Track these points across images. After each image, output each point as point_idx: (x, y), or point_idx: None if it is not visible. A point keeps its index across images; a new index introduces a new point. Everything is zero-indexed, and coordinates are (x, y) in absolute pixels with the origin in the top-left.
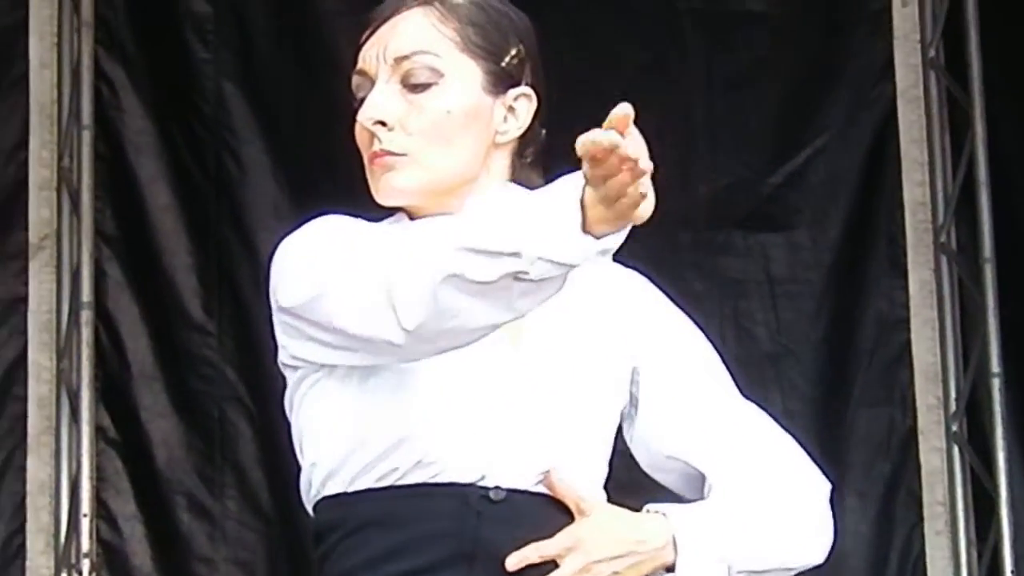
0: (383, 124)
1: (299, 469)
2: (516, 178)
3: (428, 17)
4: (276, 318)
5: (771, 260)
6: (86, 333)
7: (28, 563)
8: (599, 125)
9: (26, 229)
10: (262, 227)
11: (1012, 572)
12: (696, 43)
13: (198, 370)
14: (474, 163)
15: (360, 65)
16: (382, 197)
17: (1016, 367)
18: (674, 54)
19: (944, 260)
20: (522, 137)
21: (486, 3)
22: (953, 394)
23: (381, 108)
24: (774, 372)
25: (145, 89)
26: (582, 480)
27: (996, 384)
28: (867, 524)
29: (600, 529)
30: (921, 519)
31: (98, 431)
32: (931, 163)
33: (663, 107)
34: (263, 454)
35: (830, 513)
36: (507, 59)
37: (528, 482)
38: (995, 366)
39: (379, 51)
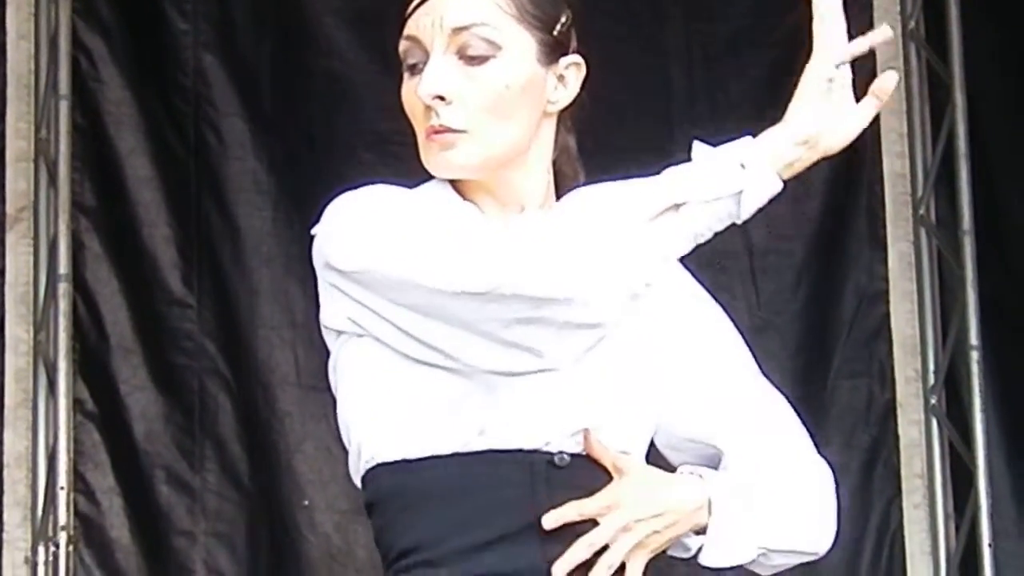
0: (442, 99)
1: (274, 442)
2: (558, 144)
3: None
4: (334, 281)
5: (750, 232)
6: (63, 305)
7: (5, 536)
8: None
9: (3, 201)
10: (242, 200)
11: (990, 546)
12: (675, 14)
13: (177, 343)
14: (528, 135)
15: (412, 31)
16: (439, 172)
17: (994, 340)
18: (653, 25)
19: (923, 232)
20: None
21: None
22: (932, 367)
23: (440, 82)
24: (753, 344)
25: (124, 60)
26: (626, 442)
27: (975, 357)
28: (845, 496)
29: (640, 488)
30: (899, 492)
31: (76, 404)
32: (911, 135)
33: (641, 79)
34: (243, 427)
35: (836, 509)
36: (558, 27)
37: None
38: (974, 339)
39: (434, 20)
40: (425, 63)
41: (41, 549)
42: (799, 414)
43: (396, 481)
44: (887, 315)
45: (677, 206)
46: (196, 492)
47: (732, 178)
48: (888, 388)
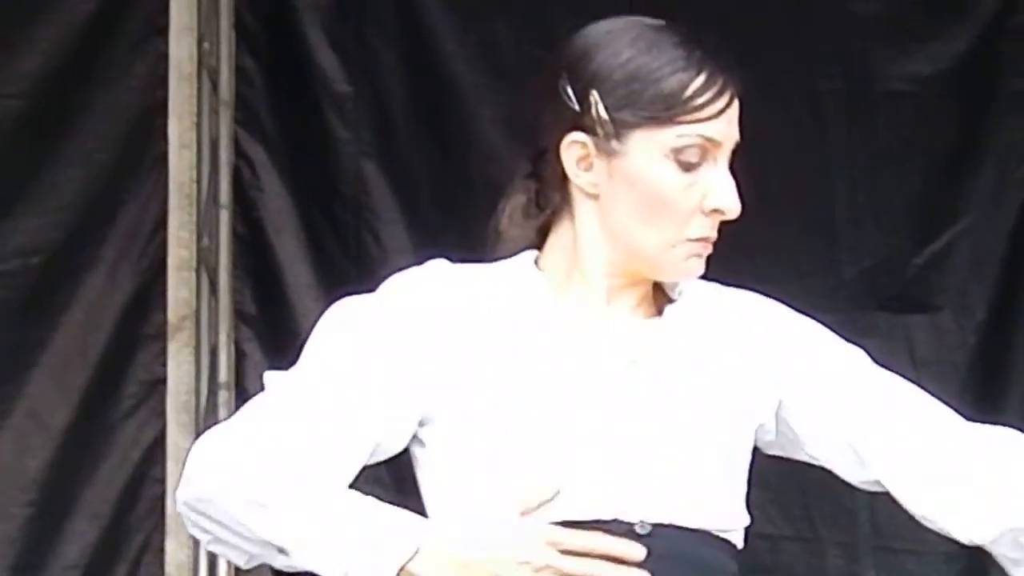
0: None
1: None
2: None
3: None
4: None
5: (915, 342)
6: (224, 414)
7: None
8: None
9: (165, 310)
10: None
11: None
12: (838, 123)
13: None
14: None
15: (715, 136)
16: (688, 276)
17: None
18: (816, 135)
19: None
20: None
21: None
22: None
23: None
24: None
25: (285, 168)
26: (710, 503)
27: None
28: None
29: None
30: None
31: None
32: None
33: (805, 188)
34: None
35: None
36: None
37: (670, 515)
38: None
39: (731, 131)
40: (702, 167)
41: None
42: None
43: None
44: None
45: None
46: None
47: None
48: None
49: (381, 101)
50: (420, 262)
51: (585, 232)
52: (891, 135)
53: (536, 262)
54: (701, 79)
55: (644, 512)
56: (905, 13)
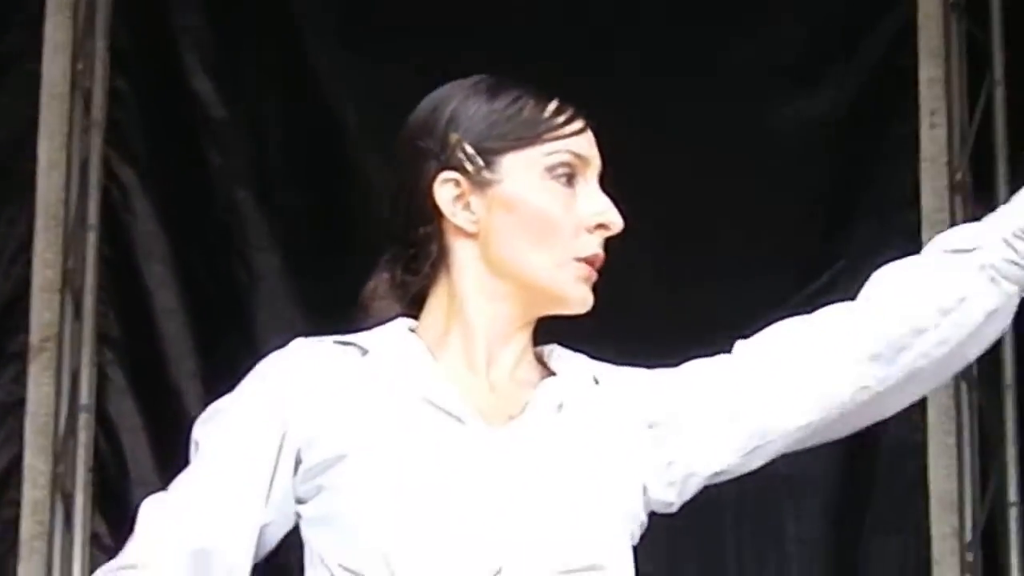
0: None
1: None
2: None
3: None
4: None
5: None
6: (83, 437)
7: None
8: None
9: (27, 331)
10: (271, 335)
11: None
12: (722, 170)
13: None
14: None
15: (582, 151)
16: (580, 307)
17: None
18: (702, 181)
19: (964, 386)
20: None
21: None
22: (969, 523)
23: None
24: (788, 497)
25: (155, 192)
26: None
27: (1014, 514)
28: None
29: None
30: None
31: (93, 538)
32: None
33: (690, 233)
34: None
35: None
36: None
37: (549, 572)
38: (1013, 495)
39: (593, 152)
40: (577, 185)
41: None
42: (835, 569)
43: None
44: (924, 469)
45: None
46: None
47: None
48: (924, 544)
49: (256, 128)
50: (289, 291)
51: (466, 275)
52: (770, 179)
53: (412, 329)
54: (555, 103)
55: (521, 571)
56: (792, 57)
